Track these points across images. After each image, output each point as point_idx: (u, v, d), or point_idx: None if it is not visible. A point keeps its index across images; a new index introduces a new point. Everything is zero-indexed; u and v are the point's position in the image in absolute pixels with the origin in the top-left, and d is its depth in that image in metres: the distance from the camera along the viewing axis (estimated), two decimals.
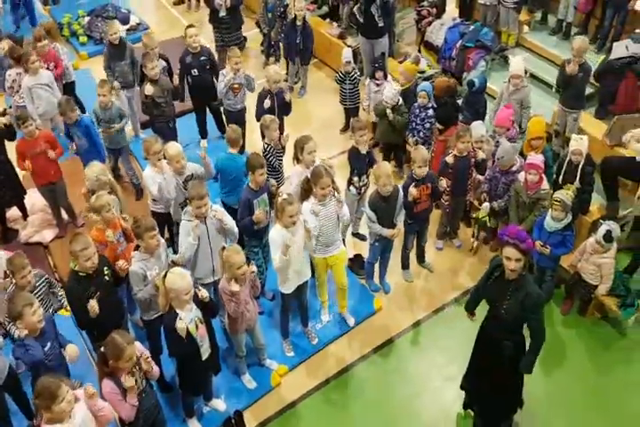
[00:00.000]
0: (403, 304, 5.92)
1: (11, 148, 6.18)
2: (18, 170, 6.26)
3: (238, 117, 6.91)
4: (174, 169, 5.46)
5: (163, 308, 4.21)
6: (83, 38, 9.38)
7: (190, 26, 7.16)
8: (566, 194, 5.25)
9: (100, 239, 4.86)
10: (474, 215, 6.28)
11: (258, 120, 6.35)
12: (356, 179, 5.93)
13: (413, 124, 6.66)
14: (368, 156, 5.86)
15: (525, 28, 7.87)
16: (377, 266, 5.93)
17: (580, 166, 5.59)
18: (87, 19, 9.50)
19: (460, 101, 6.83)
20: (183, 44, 7.20)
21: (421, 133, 6.67)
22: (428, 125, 6.62)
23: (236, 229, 5.06)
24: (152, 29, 9.36)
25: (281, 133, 6.09)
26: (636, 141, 5.66)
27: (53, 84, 6.99)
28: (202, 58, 6.96)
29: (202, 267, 4.98)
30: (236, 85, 6.73)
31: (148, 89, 6.47)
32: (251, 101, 6.86)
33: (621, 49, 6.63)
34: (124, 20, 9.37)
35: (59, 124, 6.99)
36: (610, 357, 5.44)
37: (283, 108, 6.63)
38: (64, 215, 6.50)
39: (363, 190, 5.99)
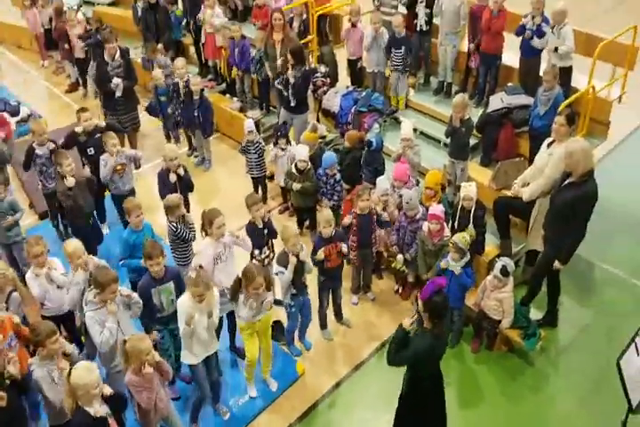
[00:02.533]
0: (324, 365, 5.94)
1: None
2: None
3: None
4: (74, 266, 5.22)
5: (70, 410, 3.96)
6: None
7: (83, 109, 7.15)
8: (462, 238, 5.59)
9: None
10: (392, 265, 6.52)
11: (162, 198, 6.34)
12: (257, 252, 5.95)
13: (325, 189, 6.95)
14: (266, 228, 5.92)
15: (411, 90, 8.47)
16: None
17: (472, 211, 5.96)
18: None
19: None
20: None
21: (335, 197, 6.96)
22: (339, 188, 6.95)
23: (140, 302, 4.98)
24: (45, 118, 8.86)
25: (187, 209, 6.11)
26: (520, 186, 6.09)
27: None
28: (97, 136, 6.93)
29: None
30: (118, 166, 6.68)
31: (70, 181, 6.29)
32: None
33: (497, 101, 7.25)
34: (14, 112, 9.16)
35: None
36: (519, 386, 5.71)
37: (185, 185, 6.69)
38: None
39: (266, 262, 6.00)
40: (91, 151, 7.00)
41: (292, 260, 5.37)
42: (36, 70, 10.97)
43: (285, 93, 7.67)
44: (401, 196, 6.39)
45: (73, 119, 8.69)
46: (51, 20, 10.09)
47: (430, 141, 7.94)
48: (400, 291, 6.65)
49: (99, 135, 6.93)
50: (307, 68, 7.82)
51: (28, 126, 8.56)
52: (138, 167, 7.00)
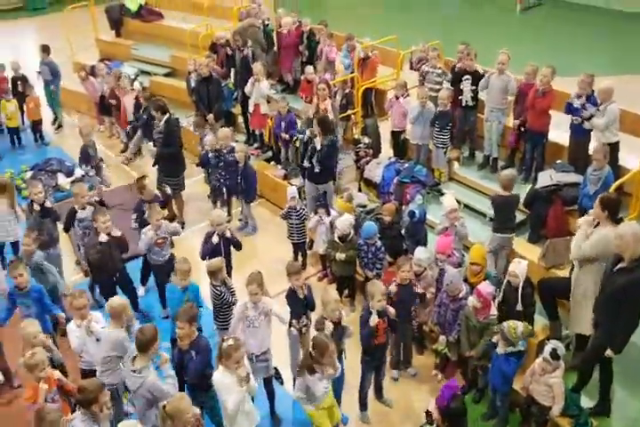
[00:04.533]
0: None
1: None
2: None
3: (168, 268, 6.61)
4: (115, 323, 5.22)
5: None
6: (25, 192, 8.79)
7: (144, 177, 7.39)
8: (511, 329, 5.31)
9: (34, 399, 4.69)
10: (433, 347, 6.28)
11: (203, 259, 6.48)
12: (294, 321, 5.88)
13: (365, 258, 6.84)
14: (306, 298, 5.85)
15: (455, 163, 8.49)
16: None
17: (520, 289, 5.74)
18: (30, 173, 9.52)
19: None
20: (126, 192, 7.39)
21: (378, 266, 6.84)
22: (381, 256, 6.82)
23: None
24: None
25: (229, 273, 6.13)
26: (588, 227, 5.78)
27: None
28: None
29: None
30: (160, 240, 6.76)
31: (102, 237, 6.44)
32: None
33: (546, 178, 7.17)
34: (69, 173, 9.55)
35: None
36: None
37: (229, 247, 6.75)
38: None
39: (304, 331, 5.92)
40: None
41: (329, 325, 5.22)
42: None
43: (309, 161, 7.74)
44: (442, 270, 6.26)
45: (123, 181, 9.48)
46: (108, 88, 10.46)
47: (474, 215, 7.85)
48: (441, 370, 6.34)
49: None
50: (334, 137, 7.89)
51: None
52: (178, 234, 7.12)
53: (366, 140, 8.69)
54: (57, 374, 4.89)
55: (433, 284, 6.36)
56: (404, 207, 7.71)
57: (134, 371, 4.67)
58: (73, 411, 4.60)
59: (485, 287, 5.74)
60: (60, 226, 7.25)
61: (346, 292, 7.27)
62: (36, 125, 10.85)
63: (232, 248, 6.81)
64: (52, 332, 6.09)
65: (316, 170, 7.76)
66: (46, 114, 11.33)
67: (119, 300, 5.36)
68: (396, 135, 8.77)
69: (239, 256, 7.10)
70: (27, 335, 5.12)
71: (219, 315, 6.06)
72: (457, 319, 5.91)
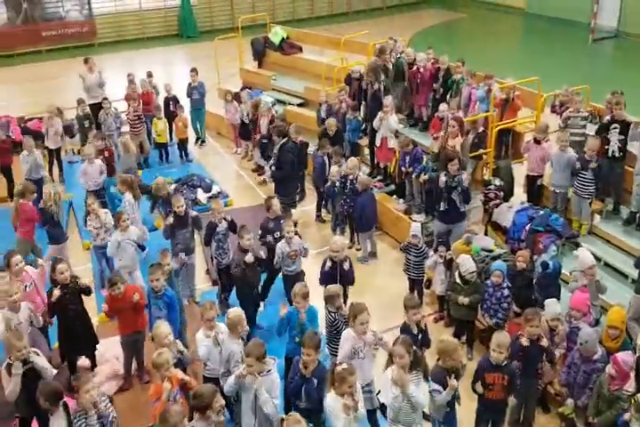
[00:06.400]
0: None
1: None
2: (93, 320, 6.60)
3: (296, 279, 6.97)
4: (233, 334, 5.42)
5: None
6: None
7: (272, 197, 7.66)
8: None
9: (156, 395, 4.97)
10: (559, 410, 5.77)
11: (321, 284, 6.60)
12: None
13: (488, 302, 6.44)
14: (420, 334, 5.60)
15: (597, 217, 7.83)
16: None
17: None
18: (173, 186, 10.19)
19: None
20: (255, 211, 8.02)
21: (499, 314, 6.40)
22: (505, 305, 6.37)
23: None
24: (232, 197, 10.17)
25: (345, 301, 6.04)
26: None
27: (141, 237, 7.46)
28: (281, 221, 7.36)
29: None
30: (292, 253, 7.00)
31: (249, 258, 6.74)
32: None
33: None
34: (208, 189, 10.20)
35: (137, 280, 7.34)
36: None
37: (345, 277, 6.67)
38: (134, 368, 6.48)
39: None
40: (276, 235, 7.38)
41: (453, 384, 4.88)
42: (230, 155, 12.12)
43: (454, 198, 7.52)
44: (574, 328, 5.75)
45: (255, 200, 9.99)
46: (248, 113, 11.09)
47: (614, 274, 7.19)
48: None
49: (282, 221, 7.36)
50: (463, 176, 7.59)
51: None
52: (305, 256, 7.28)
53: (497, 182, 8.31)
54: (181, 374, 5.12)
55: (564, 341, 5.84)
56: (535, 257, 7.17)
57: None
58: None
59: (624, 356, 5.25)
60: (197, 237, 7.66)
61: (463, 338, 6.81)
62: (183, 143, 11.61)
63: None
64: (184, 334, 6.42)
65: (462, 209, 7.60)
66: (191, 133, 12.16)
67: (237, 311, 5.52)
68: (531, 180, 8.32)
69: (355, 286, 6.99)
70: (159, 335, 5.37)
71: (332, 340, 6.00)
72: (588, 383, 5.43)
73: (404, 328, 5.64)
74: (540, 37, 19.05)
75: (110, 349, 6.58)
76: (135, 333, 6.28)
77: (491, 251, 7.52)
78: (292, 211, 8.82)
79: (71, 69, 14.50)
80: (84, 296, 6.32)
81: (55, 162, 10.93)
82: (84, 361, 6.42)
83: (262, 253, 6.98)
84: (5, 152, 10.01)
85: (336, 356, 5.75)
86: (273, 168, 9.27)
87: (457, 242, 7.24)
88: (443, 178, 7.49)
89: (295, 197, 9.34)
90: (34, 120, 12.12)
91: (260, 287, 7.20)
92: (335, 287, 5.88)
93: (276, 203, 7.42)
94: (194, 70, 11.76)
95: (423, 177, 8.44)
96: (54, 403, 4.78)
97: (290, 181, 9.19)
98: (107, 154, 9.70)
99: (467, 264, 6.49)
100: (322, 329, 6.04)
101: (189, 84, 11.77)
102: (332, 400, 4.62)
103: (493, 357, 5.09)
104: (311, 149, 9.97)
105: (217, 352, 5.48)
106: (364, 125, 10.27)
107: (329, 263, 6.64)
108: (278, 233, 7.30)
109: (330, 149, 9.23)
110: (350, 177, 8.41)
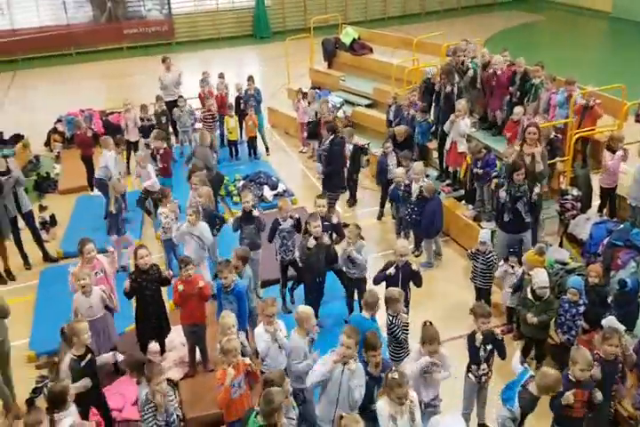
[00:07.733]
0: None
1: None
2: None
3: (359, 284, 7.02)
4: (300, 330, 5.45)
5: None
6: (236, 198, 9.99)
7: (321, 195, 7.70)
8: None
9: (221, 380, 5.07)
10: None
11: (374, 284, 6.49)
12: (474, 367, 5.53)
13: (562, 318, 6.14)
14: (489, 343, 5.40)
15: None
16: None
17: None
18: (242, 182, 10.44)
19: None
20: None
21: (573, 331, 6.10)
22: (580, 322, 6.06)
23: None
24: (296, 196, 10.19)
25: (407, 307, 5.90)
26: None
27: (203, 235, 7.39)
28: (325, 223, 7.20)
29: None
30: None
31: (311, 242, 6.80)
32: None
33: None
34: (274, 187, 10.36)
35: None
36: None
37: (407, 281, 6.48)
38: (198, 356, 6.60)
39: (483, 380, 5.54)
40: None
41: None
42: (296, 154, 12.24)
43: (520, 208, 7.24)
44: None
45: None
46: (316, 113, 11.12)
47: None
48: None
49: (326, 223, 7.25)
50: (536, 189, 7.28)
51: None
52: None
53: (575, 192, 7.90)
54: (247, 361, 5.23)
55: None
56: (612, 273, 6.77)
57: None
58: None
59: None
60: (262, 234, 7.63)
61: (532, 353, 6.50)
62: (252, 141, 11.73)
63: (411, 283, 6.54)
64: (247, 328, 6.49)
65: (527, 220, 7.29)
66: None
67: (305, 308, 5.55)
68: (605, 191, 7.94)
69: (417, 293, 6.74)
70: (224, 325, 5.49)
71: (390, 346, 5.96)
72: None
73: (471, 336, 5.44)
74: (626, 42, 18.18)
75: (179, 336, 6.74)
76: (193, 324, 6.36)
77: (565, 264, 7.15)
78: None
79: (148, 67, 14.93)
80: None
81: (133, 154, 11.09)
82: (154, 346, 6.63)
83: (326, 239, 6.95)
84: (88, 144, 10.41)
85: (394, 361, 5.81)
86: (322, 163, 9.24)
87: (529, 252, 6.91)
88: (502, 193, 7.28)
89: (339, 193, 9.31)
90: (114, 114, 12.57)
91: (324, 276, 7.07)
92: (395, 291, 5.78)
93: (323, 203, 7.35)
94: (250, 78, 11.87)
95: (495, 181, 8.11)
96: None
97: (338, 177, 9.20)
98: (162, 152, 9.72)
99: (540, 278, 6.17)
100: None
101: (246, 92, 11.80)
102: (382, 404, 4.65)
103: (578, 374, 4.86)
104: (376, 150, 9.80)
105: (275, 349, 5.52)
106: (434, 128, 10.06)
107: (392, 270, 6.39)
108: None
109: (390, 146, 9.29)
110: (414, 184, 8.23)
